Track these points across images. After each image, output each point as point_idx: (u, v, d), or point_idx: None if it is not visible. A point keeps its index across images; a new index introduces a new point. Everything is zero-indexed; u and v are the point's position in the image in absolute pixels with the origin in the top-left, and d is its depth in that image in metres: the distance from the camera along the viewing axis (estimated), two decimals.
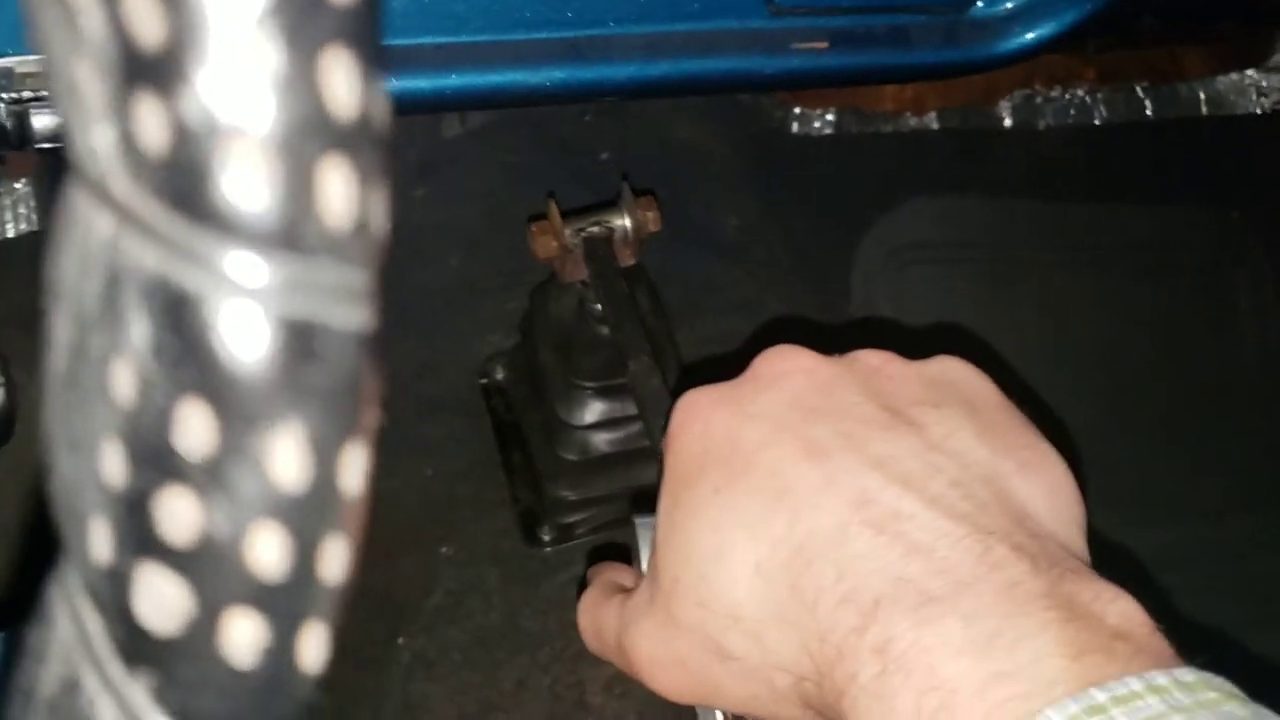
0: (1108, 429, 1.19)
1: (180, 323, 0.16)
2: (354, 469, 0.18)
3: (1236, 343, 1.24)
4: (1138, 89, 1.23)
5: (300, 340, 0.17)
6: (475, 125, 1.08)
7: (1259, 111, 1.24)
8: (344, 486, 0.18)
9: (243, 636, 0.18)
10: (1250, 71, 1.24)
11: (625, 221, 0.79)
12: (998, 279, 1.22)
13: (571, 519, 0.91)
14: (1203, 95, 1.24)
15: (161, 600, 0.17)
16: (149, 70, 0.16)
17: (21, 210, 0.96)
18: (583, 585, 0.50)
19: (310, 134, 0.16)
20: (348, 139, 0.16)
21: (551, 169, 1.05)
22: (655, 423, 0.61)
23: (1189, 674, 0.31)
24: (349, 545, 0.19)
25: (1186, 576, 1.09)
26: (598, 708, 0.83)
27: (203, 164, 0.16)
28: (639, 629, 0.43)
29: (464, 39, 0.63)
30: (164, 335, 0.17)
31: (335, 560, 0.19)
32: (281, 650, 0.18)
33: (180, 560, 0.17)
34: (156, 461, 0.17)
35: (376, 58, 0.17)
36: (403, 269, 1.05)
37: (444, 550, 0.92)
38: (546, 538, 0.91)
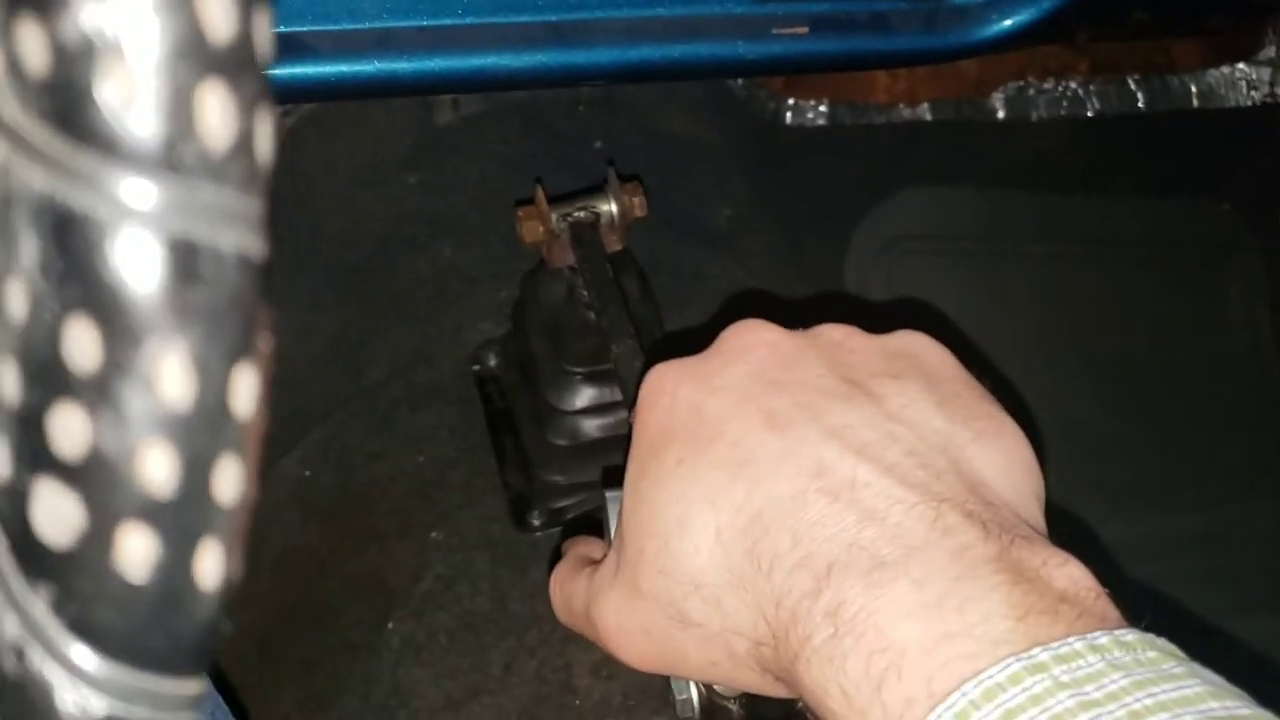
0: (1098, 419, 1.20)
1: (66, 241, 0.17)
2: (244, 391, 0.19)
3: (1227, 334, 1.25)
4: (1130, 81, 1.23)
5: (184, 260, 0.18)
6: (468, 114, 1.09)
7: (1249, 104, 1.24)
8: (235, 408, 0.19)
9: (135, 551, 0.18)
10: (1241, 65, 1.24)
11: (611, 207, 0.79)
12: (990, 270, 1.23)
13: (561, 504, 0.91)
14: (1194, 88, 1.24)
15: (56, 514, 0.18)
16: None
17: None
18: (556, 558, 0.51)
19: (187, 56, 0.17)
20: (226, 63, 0.17)
21: (543, 158, 1.06)
22: None
23: (1130, 634, 0.32)
24: (243, 467, 0.19)
25: (1177, 565, 1.10)
26: (584, 690, 0.84)
27: (82, 86, 0.17)
28: (605, 599, 0.44)
29: (446, 22, 0.64)
30: (51, 254, 0.17)
31: (229, 481, 0.19)
32: (176, 566, 0.19)
33: (73, 475, 0.18)
34: (47, 378, 0.18)
35: None
36: (394, 257, 1.06)
37: (434, 535, 0.93)
38: (536, 522, 0.91)
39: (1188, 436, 1.20)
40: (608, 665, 0.85)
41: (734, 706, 0.50)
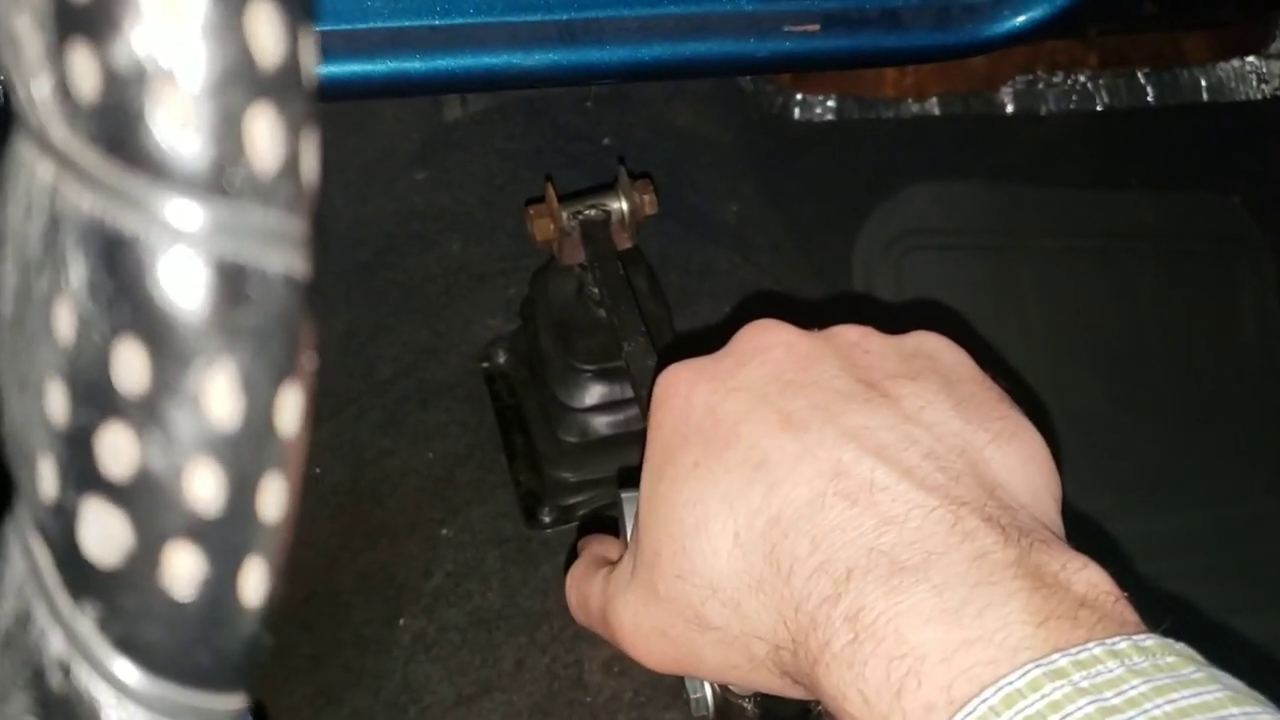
0: (1109, 414, 1.20)
1: (115, 264, 0.17)
2: (290, 410, 0.19)
3: (1238, 328, 1.24)
4: (1139, 75, 1.23)
5: (231, 282, 0.18)
6: (476, 110, 1.08)
7: (1260, 98, 1.24)
8: (280, 427, 0.19)
9: (182, 569, 0.19)
10: (1251, 58, 1.24)
11: (622, 204, 0.79)
12: (999, 264, 1.23)
13: (571, 501, 0.92)
14: (1204, 82, 1.24)
15: (104, 533, 0.18)
16: (82, 20, 0.16)
17: None
18: (571, 558, 0.51)
19: (237, 81, 0.17)
20: (274, 86, 0.17)
21: (551, 154, 1.06)
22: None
23: (1149, 639, 0.32)
24: (287, 485, 0.19)
25: (1188, 561, 1.10)
26: (596, 686, 0.84)
27: (133, 111, 0.17)
28: (622, 601, 0.43)
29: (457, 21, 0.63)
30: (100, 276, 0.17)
31: (273, 498, 0.19)
32: (221, 584, 0.19)
33: (121, 494, 0.18)
34: (96, 399, 0.18)
35: (304, 8, 0.18)
36: (403, 254, 1.06)
37: (444, 532, 0.93)
38: (547, 519, 0.92)
39: (1198, 431, 1.20)
40: (619, 662, 0.85)
41: (748, 705, 0.50)
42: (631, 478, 0.46)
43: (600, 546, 0.51)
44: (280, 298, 0.18)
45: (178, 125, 0.17)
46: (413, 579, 0.91)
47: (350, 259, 1.08)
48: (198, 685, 0.20)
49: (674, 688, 0.80)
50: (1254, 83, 1.25)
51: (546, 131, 1.09)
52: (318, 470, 1.00)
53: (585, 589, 0.47)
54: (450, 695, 0.86)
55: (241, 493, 0.19)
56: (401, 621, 0.90)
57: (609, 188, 0.80)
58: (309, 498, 0.98)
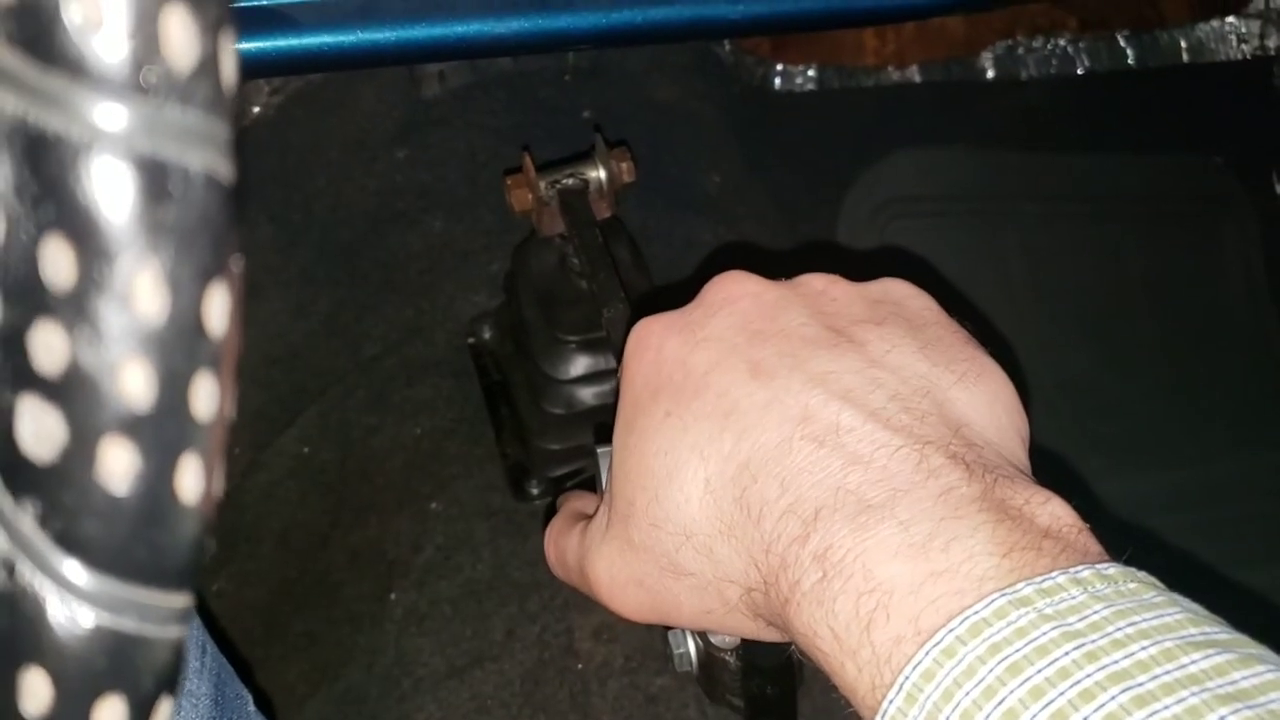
0: (1096, 376, 1.20)
1: (39, 163, 0.18)
2: (217, 309, 0.19)
3: (1222, 288, 1.25)
4: (1119, 37, 1.23)
5: (153, 179, 0.18)
6: (456, 86, 1.08)
7: (1240, 58, 1.24)
8: (208, 325, 0.19)
9: (116, 463, 0.19)
10: (1230, 18, 1.24)
11: (600, 173, 0.79)
12: (983, 230, 1.23)
13: (559, 472, 0.92)
14: (1184, 43, 1.24)
15: (39, 430, 0.19)
16: None
17: None
18: (550, 515, 0.52)
19: None
20: None
21: (532, 129, 1.06)
22: None
23: (1112, 568, 0.32)
24: (219, 384, 0.20)
25: (1177, 519, 1.10)
26: (586, 654, 0.84)
27: (50, 9, 0.17)
28: (598, 553, 0.44)
29: None
30: (24, 176, 0.18)
31: (206, 397, 0.20)
32: (156, 479, 0.20)
33: (55, 391, 0.19)
34: (26, 297, 0.18)
35: None
36: (386, 233, 1.06)
37: (433, 506, 0.93)
38: (535, 491, 0.92)
39: (1185, 391, 1.20)
40: (609, 629, 0.86)
41: (730, 658, 0.50)
42: (608, 434, 0.47)
43: (578, 502, 0.51)
44: (203, 196, 0.19)
45: (92, 23, 0.17)
46: (403, 554, 0.92)
47: (333, 239, 1.08)
48: (139, 581, 0.20)
49: (664, 653, 0.81)
50: (1234, 43, 1.25)
51: (526, 106, 1.09)
52: (306, 450, 1.00)
53: (563, 544, 0.48)
54: (443, 667, 0.86)
55: (173, 389, 0.19)
56: (393, 596, 0.90)
57: (586, 156, 0.80)
58: (298, 477, 0.99)
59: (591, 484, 0.92)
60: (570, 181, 0.79)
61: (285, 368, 1.05)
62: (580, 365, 0.87)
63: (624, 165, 0.79)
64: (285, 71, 0.96)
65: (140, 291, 0.18)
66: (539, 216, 0.80)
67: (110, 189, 0.18)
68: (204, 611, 0.64)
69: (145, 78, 0.18)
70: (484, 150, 1.06)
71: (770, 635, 0.40)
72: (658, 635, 0.52)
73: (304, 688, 0.90)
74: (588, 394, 0.88)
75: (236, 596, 0.96)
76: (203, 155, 0.19)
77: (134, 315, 0.18)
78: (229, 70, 0.19)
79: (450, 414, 0.97)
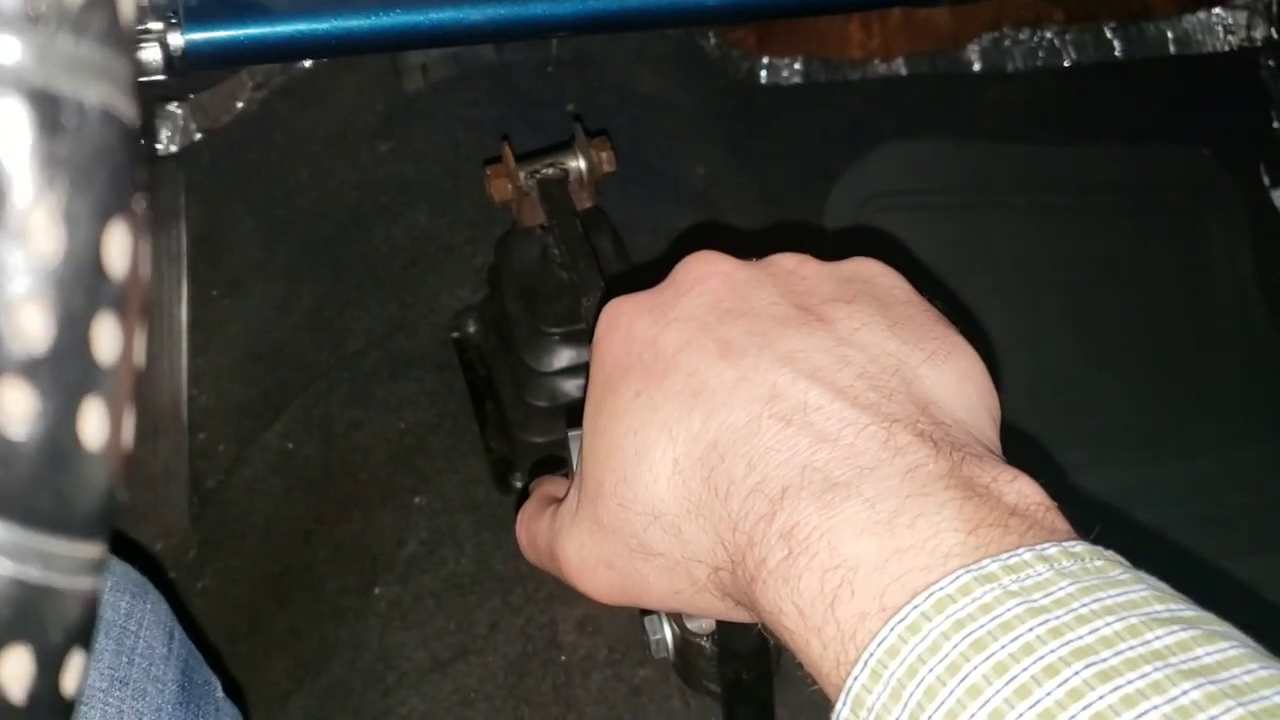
0: (1083, 368, 1.20)
1: None
2: (117, 248, 0.19)
3: (1209, 280, 1.25)
4: (1106, 29, 1.23)
5: (45, 111, 0.18)
6: (438, 79, 1.08)
7: (1226, 49, 1.24)
8: (109, 265, 0.19)
9: (14, 405, 0.19)
10: (1216, 9, 1.24)
11: (579, 162, 0.79)
12: (970, 223, 1.23)
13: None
14: (1170, 34, 1.24)
15: None
16: None
17: None
18: (522, 499, 0.51)
19: None
20: None
21: (515, 122, 1.06)
22: None
23: (1079, 545, 0.32)
24: (122, 326, 0.19)
25: (1160, 513, 1.10)
26: (570, 646, 0.84)
27: None
28: (568, 535, 0.44)
29: None
30: None
31: (108, 339, 0.19)
32: (57, 422, 0.19)
33: None
34: None
35: None
36: (369, 226, 1.06)
37: (417, 500, 0.93)
38: (518, 485, 0.92)
39: (1172, 383, 1.20)
40: (593, 621, 0.85)
41: (706, 644, 0.50)
42: (579, 417, 0.46)
43: (550, 486, 0.51)
44: (99, 131, 0.18)
45: None
46: (387, 548, 0.91)
47: (316, 233, 1.07)
48: (43, 529, 0.20)
49: (646, 645, 0.80)
50: (1220, 34, 1.25)
51: (509, 99, 1.09)
52: (290, 445, 1.00)
53: (534, 527, 0.47)
54: (426, 660, 0.86)
55: (72, 330, 0.19)
56: (376, 590, 0.90)
57: (566, 146, 0.80)
58: (282, 472, 0.99)
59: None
60: (550, 171, 0.79)
61: (268, 363, 1.04)
62: (563, 357, 0.87)
63: (604, 154, 0.79)
64: (258, 60, 0.96)
65: (35, 228, 0.18)
66: (519, 207, 0.80)
67: (2, 121, 0.18)
68: (173, 598, 0.64)
69: (34, 6, 0.17)
70: (467, 143, 1.06)
71: (739, 615, 0.40)
72: (640, 627, 0.52)
73: (288, 683, 0.90)
74: (571, 386, 0.88)
75: (220, 592, 0.96)
76: (99, 89, 0.18)
77: (29, 251, 0.18)
78: (126, 4, 0.18)
79: (434, 408, 0.96)
